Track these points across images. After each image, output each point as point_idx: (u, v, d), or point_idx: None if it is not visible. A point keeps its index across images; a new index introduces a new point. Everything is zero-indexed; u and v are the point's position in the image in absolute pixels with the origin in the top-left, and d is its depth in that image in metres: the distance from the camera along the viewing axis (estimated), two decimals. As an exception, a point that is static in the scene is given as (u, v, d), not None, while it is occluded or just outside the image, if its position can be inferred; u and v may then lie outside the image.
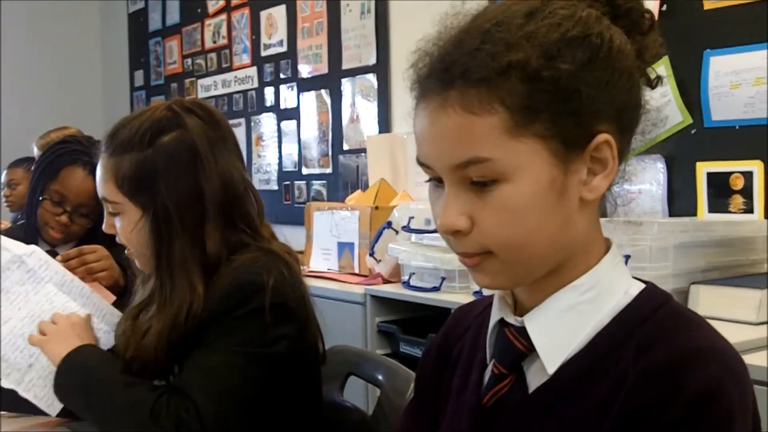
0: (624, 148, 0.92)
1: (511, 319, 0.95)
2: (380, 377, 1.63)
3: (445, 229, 0.90)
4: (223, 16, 5.18)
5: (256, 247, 1.58)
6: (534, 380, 0.93)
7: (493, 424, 0.95)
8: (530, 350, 0.92)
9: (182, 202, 1.54)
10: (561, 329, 0.91)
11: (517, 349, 0.94)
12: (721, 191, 2.58)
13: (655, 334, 0.87)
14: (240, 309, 1.49)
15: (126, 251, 1.65)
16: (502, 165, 0.85)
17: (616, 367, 0.87)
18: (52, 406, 1.65)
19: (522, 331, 0.93)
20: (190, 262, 1.54)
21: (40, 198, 2.33)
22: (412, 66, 0.92)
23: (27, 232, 2.41)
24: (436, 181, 0.92)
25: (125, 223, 1.58)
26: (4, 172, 4.18)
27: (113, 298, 1.90)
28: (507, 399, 0.94)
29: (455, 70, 0.86)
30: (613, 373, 0.87)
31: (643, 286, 0.94)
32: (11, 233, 2.54)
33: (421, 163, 0.92)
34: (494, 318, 0.98)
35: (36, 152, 3.83)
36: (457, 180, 0.88)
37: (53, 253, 2.28)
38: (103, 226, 1.65)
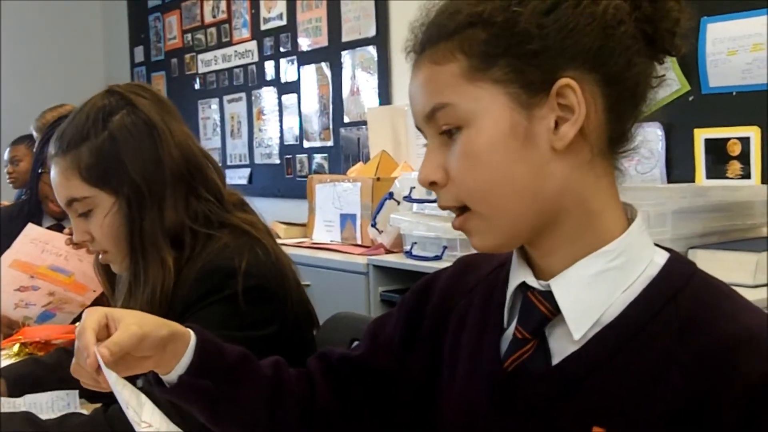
0: (616, 100, 0.89)
1: (535, 283, 0.94)
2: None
3: (422, 181, 0.93)
4: (222, -9, 5.19)
5: (220, 222, 1.55)
6: (557, 347, 0.92)
7: (516, 390, 0.93)
8: (553, 314, 0.91)
9: (148, 175, 1.51)
10: (588, 295, 0.90)
11: (541, 312, 0.92)
12: (718, 157, 2.61)
13: (696, 309, 0.86)
14: (214, 295, 1.47)
15: (100, 257, 1.59)
16: (462, 110, 0.88)
17: (657, 342, 0.86)
18: None
19: (546, 295, 0.92)
20: (159, 237, 1.51)
21: (40, 171, 2.36)
22: (405, 43, 0.96)
23: (30, 206, 2.44)
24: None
25: (99, 216, 1.53)
26: (7, 150, 4.19)
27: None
28: (529, 365, 0.93)
29: (427, 34, 0.92)
30: (653, 348, 0.86)
31: (667, 254, 0.93)
32: (13, 209, 2.58)
33: (417, 127, 0.96)
34: (515, 281, 0.97)
35: (35, 135, 3.84)
36: (433, 133, 0.92)
37: (59, 227, 2.31)
38: (74, 237, 1.59)
